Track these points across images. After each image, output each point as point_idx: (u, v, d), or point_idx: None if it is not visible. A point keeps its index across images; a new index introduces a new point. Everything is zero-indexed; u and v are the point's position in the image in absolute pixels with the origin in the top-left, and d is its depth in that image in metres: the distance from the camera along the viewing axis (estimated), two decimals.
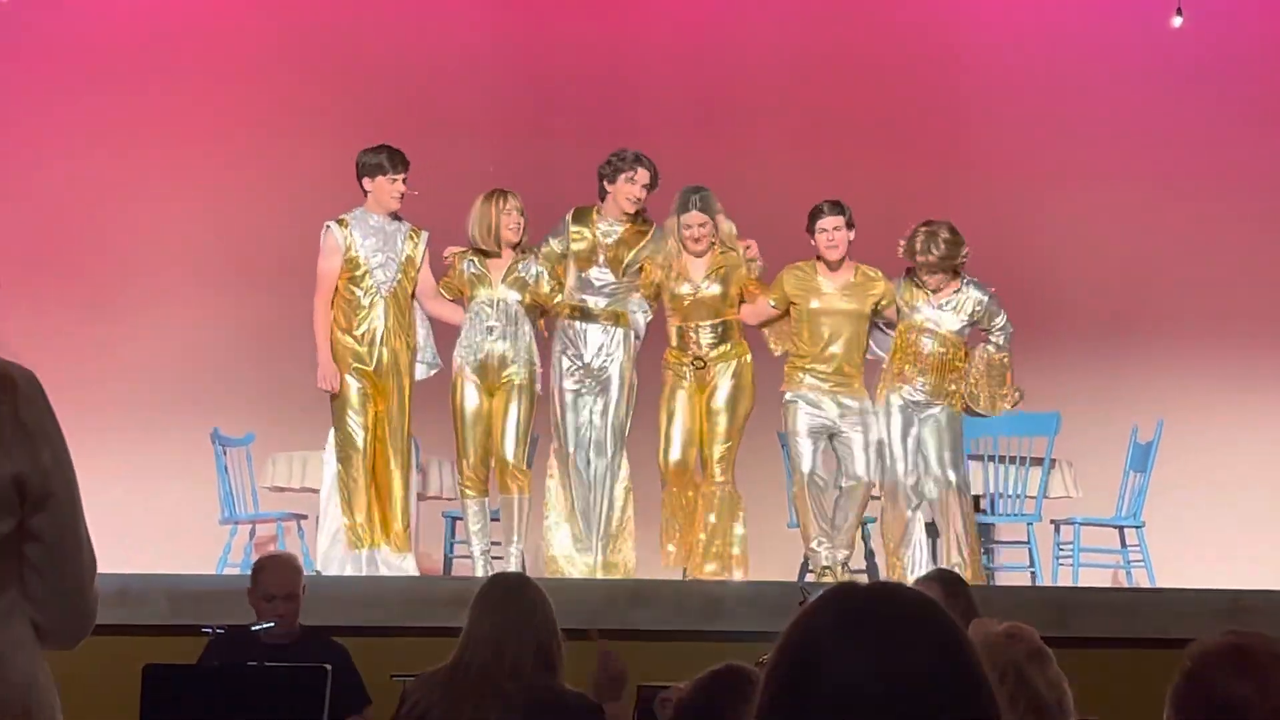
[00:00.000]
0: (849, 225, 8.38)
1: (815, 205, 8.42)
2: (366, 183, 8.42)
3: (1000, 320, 8.39)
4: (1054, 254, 10.90)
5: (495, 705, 4.67)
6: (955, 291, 8.32)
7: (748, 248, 8.45)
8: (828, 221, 8.37)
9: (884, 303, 8.39)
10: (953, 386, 8.32)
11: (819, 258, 8.42)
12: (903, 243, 8.30)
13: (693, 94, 11.00)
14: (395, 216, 8.47)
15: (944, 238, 8.22)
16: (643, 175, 8.41)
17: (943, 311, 8.31)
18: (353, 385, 8.34)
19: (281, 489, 9.34)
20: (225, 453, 9.53)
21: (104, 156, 10.89)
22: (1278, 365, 10.90)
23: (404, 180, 8.39)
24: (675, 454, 8.38)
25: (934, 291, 8.31)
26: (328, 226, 8.43)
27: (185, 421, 10.19)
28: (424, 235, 8.50)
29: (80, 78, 10.94)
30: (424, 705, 4.74)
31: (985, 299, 8.34)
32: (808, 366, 8.38)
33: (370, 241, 8.38)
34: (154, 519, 9.94)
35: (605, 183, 8.46)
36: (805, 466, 8.34)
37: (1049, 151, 11.00)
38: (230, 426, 9.74)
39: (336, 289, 8.40)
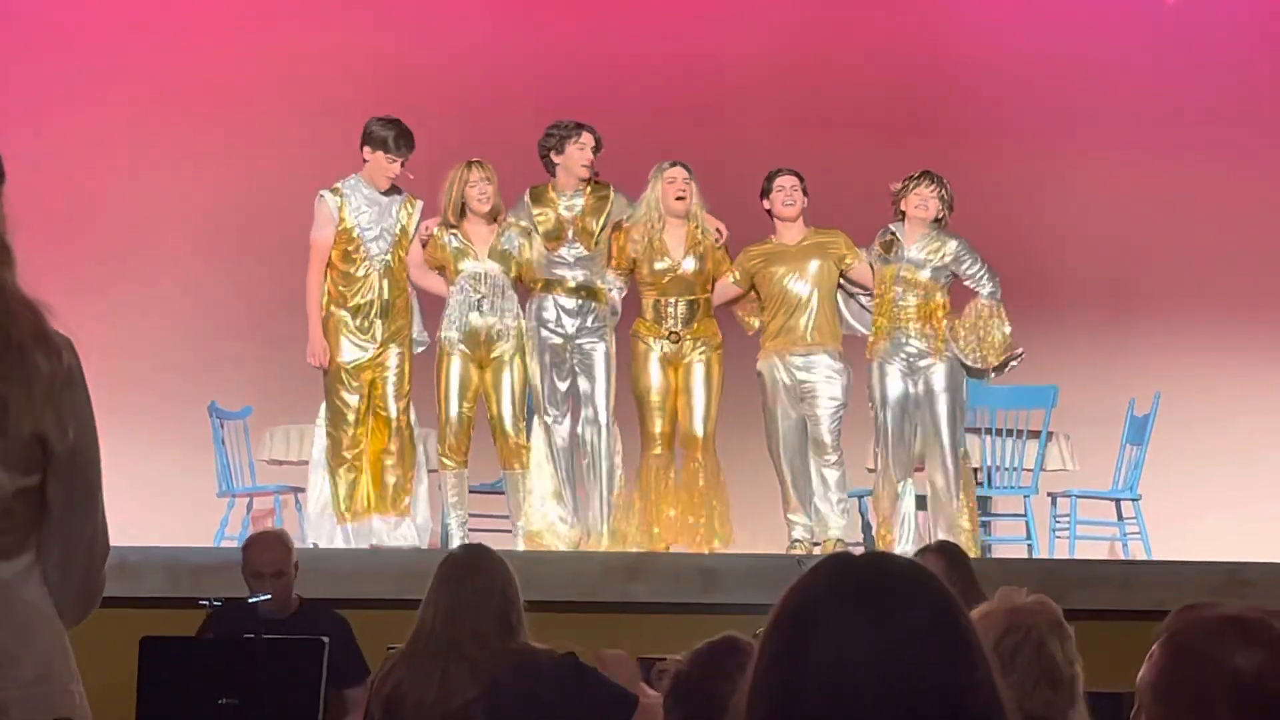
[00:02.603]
0: (804, 190, 8.45)
1: (771, 170, 8.51)
2: (366, 152, 8.35)
3: (977, 268, 8.36)
4: (1051, 226, 10.89)
5: (462, 674, 4.63)
6: (925, 237, 8.32)
7: (718, 232, 8.47)
8: (785, 180, 8.47)
9: (847, 259, 8.42)
10: (941, 337, 8.30)
11: (775, 220, 8.45)
12: (932, 189, 8.28)
13: (684, 81, 10.95)
14: (391, 189, 8.43)
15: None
16: (588, 139, 8.41)
17: (919, 259, 8.31)
18: (346, 358, 8.30)
19: (279, 462, 9.34)
20: (222, 426, 9.53)
21: (101, 124, 10.85)
22: (1275, 337, 10.90)
23: (402, 164, 8.32)
24: (658, 426, 8.42)
25: (907, 242, 8.32)
26: (321, 196, 8.36)
27: (182, 395, 10.19)
28: (418, 205, 8.42)
29: (79, 43, 10.90)
30: (391, 684, 4.71)
31: (955, 243, 8.34)
32: (779, 336, 8.41)
33: (366, 212, 8.31)
34: (151, 492, 9.93)
35: (552, 155, 8.43)
36: (779, 434, 8.39)
37: (1048, 125, 10.98)
38: (228, 400, 9.73)
39: (330, 261, 8.36)
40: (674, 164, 8.45)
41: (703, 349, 8.42)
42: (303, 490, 9.42)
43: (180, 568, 7.73)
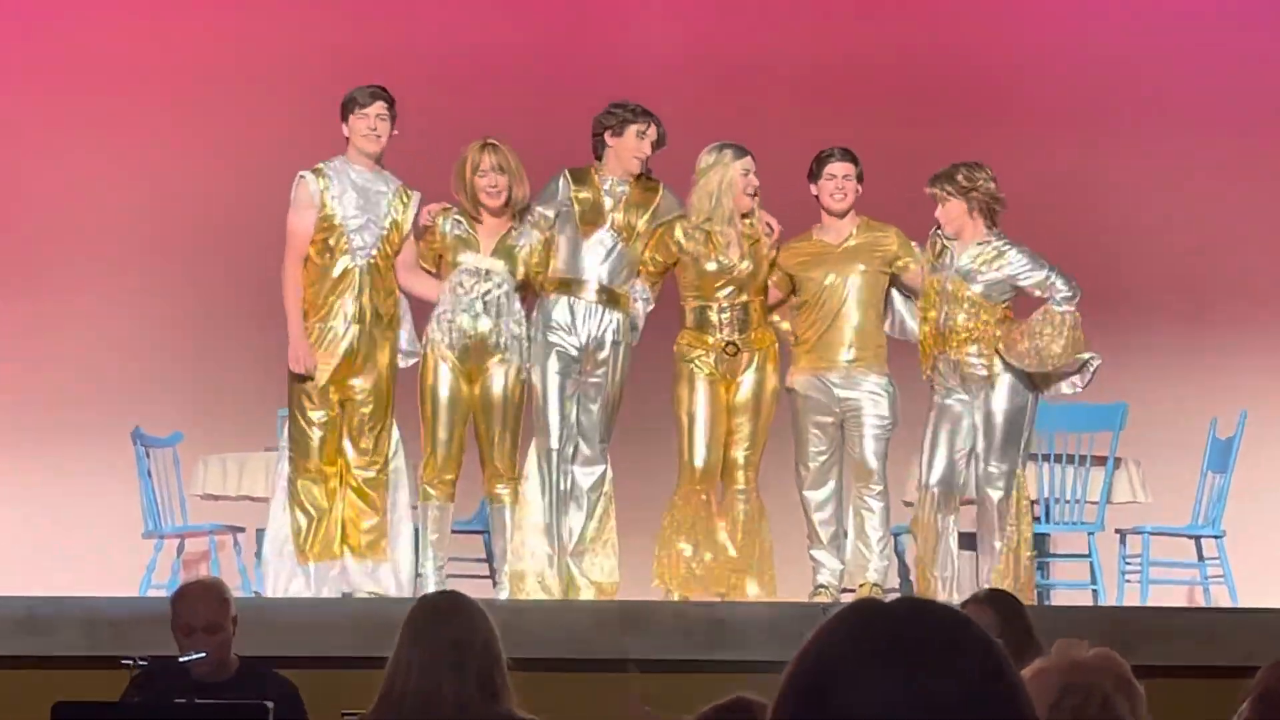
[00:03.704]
0: (859, 178, 8.38)
1: (823, 150, 8.42)
2: (345, 128, 8.28)
3: (1043, 275, 8.21)
4: (1120, 227, 10.91)
5: None
6: (979, 244, 8.26)
7: (769, 227, 8.43)
8: (838, 168, 8.39)
9: (900, 260, 8.36)
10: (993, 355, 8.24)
11: (823, 210, 8.41)
12: (954, 196, 8.20)
13: (710, 61, 10.99)
14: (380, 168, 8.32)
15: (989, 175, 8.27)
16: (653, 132, 8.41)
17: (968, 271, 8.21)
18: (316, 371, 8.21)
19: (215, 497, 9.35)
20: (149, 455, 9.54)
21: (17, 120, 10.88)
22: None
23: (378, 116, 8.21)
24: (702, 458, 8.36)
25: (950, 251, 8.25)
26: (301, 176, 8.25)
27: (102, 419, 10.22)
28: (415, 197, 8.34)
29: None
30: None
31: (1014, 253, 8.22)
32: (814, 352, 8.36)
33: (349, 199, 8.22)
34: (66, 532, 9.97)
35: (608, 135, 8.41)
36: (810, 460, 8.37)
37: (1116, 113, 11.03)
38: (154, 425, 9.74)
39: (306, 254, 8.26)
40: (744, 152, 8.40)
41: (759, 361, 8.39)
42: (242, 530, 9.46)
43: (100, 621, 7.74)
